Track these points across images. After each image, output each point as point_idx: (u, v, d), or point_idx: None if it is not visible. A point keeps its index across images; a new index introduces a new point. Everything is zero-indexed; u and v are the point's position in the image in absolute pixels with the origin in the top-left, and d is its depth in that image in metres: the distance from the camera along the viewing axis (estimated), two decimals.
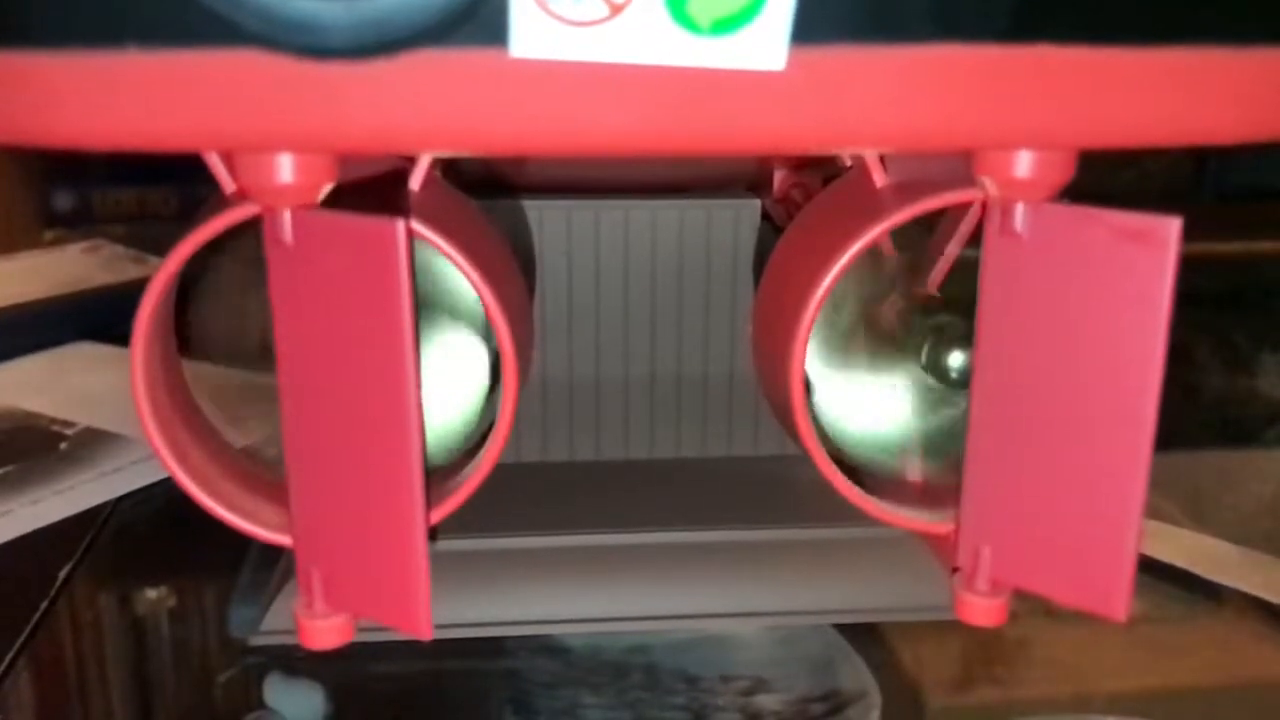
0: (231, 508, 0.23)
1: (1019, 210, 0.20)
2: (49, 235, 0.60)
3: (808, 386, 0.24)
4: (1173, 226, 0.18)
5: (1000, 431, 0.22)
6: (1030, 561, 0.22)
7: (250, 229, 0.21)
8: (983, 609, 0.23)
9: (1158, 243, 0.19)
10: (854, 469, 0.25)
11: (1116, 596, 0.21)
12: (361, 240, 0.18)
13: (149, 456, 0.35)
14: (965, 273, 0.25)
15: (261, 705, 0.26)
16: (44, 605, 0.29)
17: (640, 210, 0.30)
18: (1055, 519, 0.21)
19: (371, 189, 0.22)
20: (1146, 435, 0.20)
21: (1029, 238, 0.20)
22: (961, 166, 0.20)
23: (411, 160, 0.22)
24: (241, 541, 0.26)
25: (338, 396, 0.20)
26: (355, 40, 0.16)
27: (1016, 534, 0.22)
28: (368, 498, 0.20)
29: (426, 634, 0.20)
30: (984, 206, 0.21)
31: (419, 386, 0.19)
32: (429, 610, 0.20)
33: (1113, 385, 0.20)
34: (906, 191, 0.22)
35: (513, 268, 0.25)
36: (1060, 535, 0.21)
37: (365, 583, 0.21)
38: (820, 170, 0.32)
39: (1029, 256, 0.21)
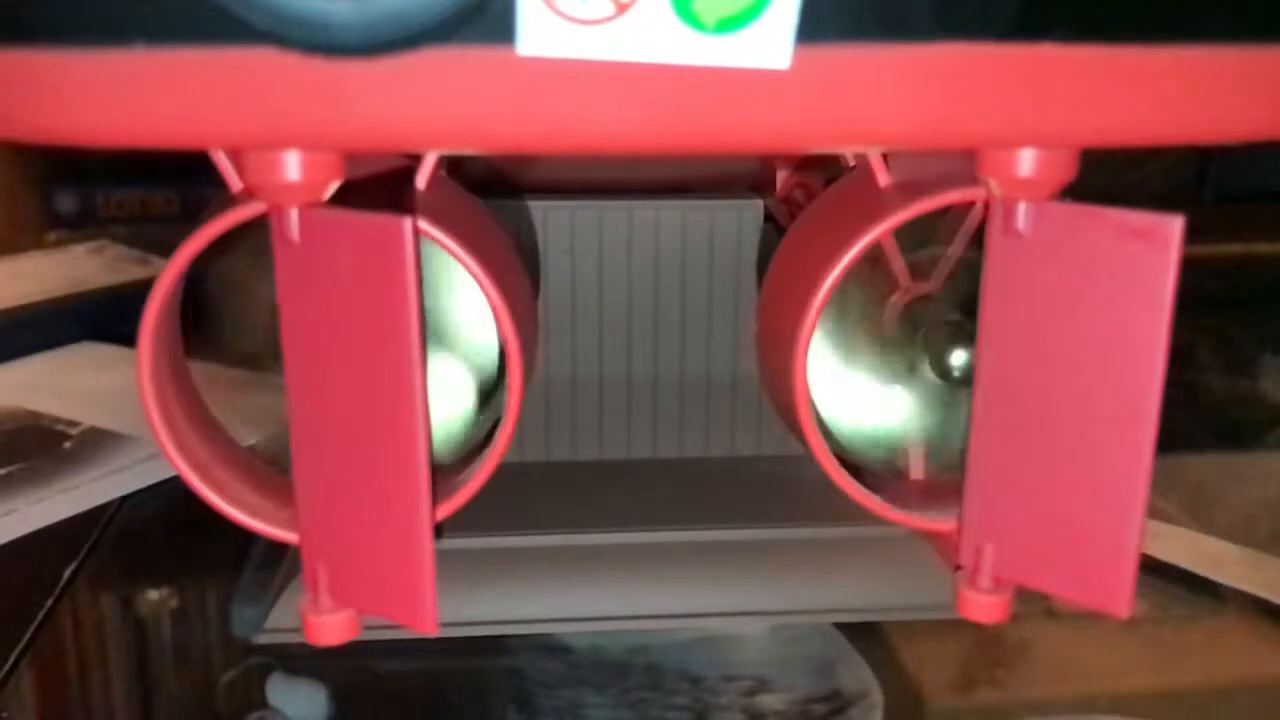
0: (238, 505, 0.23)
1: (1021, 209, 0.20)
2: (52, 236, 0.60)
3: (811, 385, 0.24)
4: (1175, 225, 0.19)
5: (1002, 429, 0.22)
6: (1033, 559, 0.22)
7: (256, 227, 0.21)
8: (985, 606, 0.23)
9: (1160, 241, 0.19)
10: (857, 467, 0.25)
11: (1119, 594, 0.21)
12: (369, 238, 0.19)
13: (153, 456, 0.35)
14: (968, 271, 0.25)
15: (264, 705, 0.26)
16: (48, 604, 0.29)
17: (644, 210, 0.30)
18: (1058, 516, 0.21)
19: (377, 187, 0.22)
20: (1149, 433, 0.20)
21: (1031, 236, 0.20)
22: (964, 165, 0.20)
23: (417, 158, 0.22)
24: (245, 541, 0.26)
25: (344, 393, 0.20)
26: (364, 38, 0.16)
27: (1019, 531, 0.22)
28: (374, 494, 0.20)
29: (432, 629, 0.20)
30: (987, 205, 0.21)
31: (425, 383, 0.19)
32: (435, 606, 0.20)
33: (1115, 383, 0.20)
34: (910, 190, 0.22)
35: (517, 266, 0.25)
36: (1063, 532, 0.21)
37: (371, 578, 0.21)
38: (823, 170, 0.32)
39: (1031, 255, 0.21)
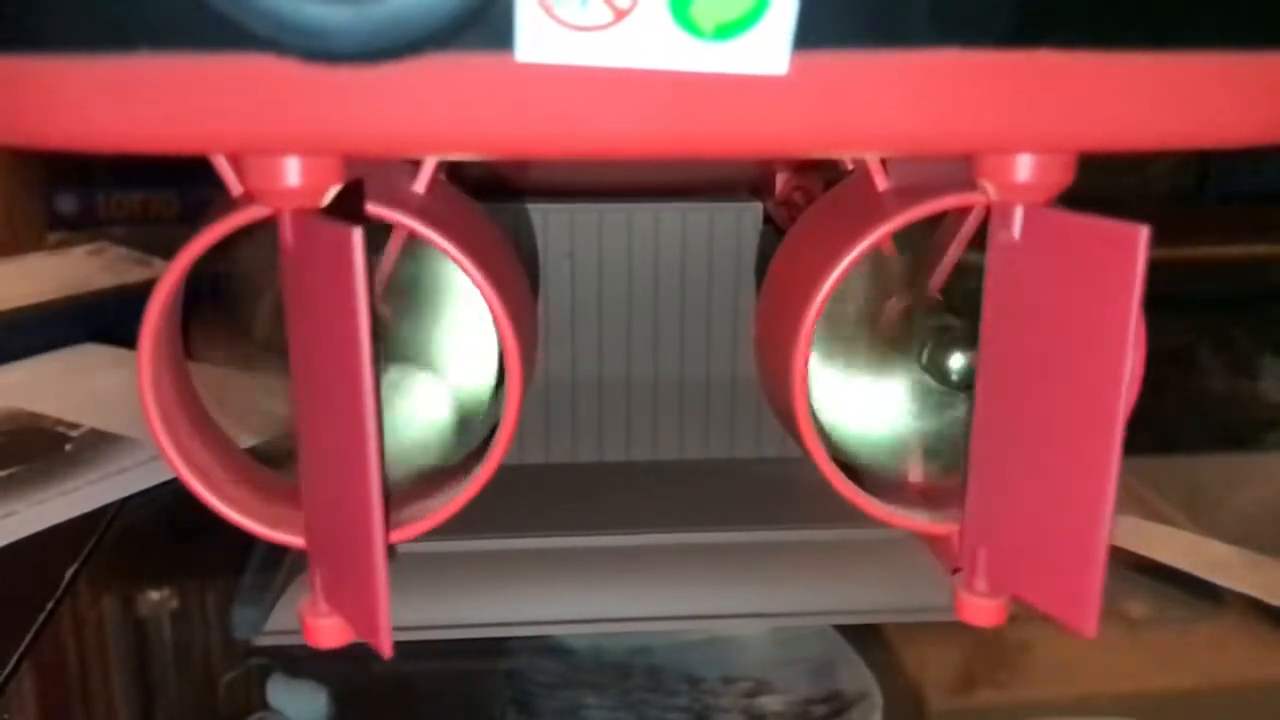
0: (237, 508, 0.23)
1: (1016, 214, 0.20)
2: (53, 238, 0.60)
3: (809, 388, 0.24)
4: (1140, 233, 0.18)
5: (999, 434, 0.22)
6: (1017, 566, 0.22)
7: (255, 231, 0.21)
8: (982, 609, 0.23)
9: (1126, 249, 0.18)
10: (855, 470, 0.25)
11: (1086, 609, 0.20)
12: (327, 245, 0.18)
13: (154, 458, 0.35)
14: (966, 275, 0.25)
15: (265, 706, 0.26)
16: (49, 606, 0.29)
17: (643, 213, 0.30)
18: (1039, 526, 0.21)
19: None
20: (1114, 445, 0.19)
21: (1023, 241, 0.20)
22: (962, 170, 0.21)
23: (417, 163, 0.22)
24: (245, 543, 0.26)
25: (321, 401, 0.20)
26: (363, 45, 0.16)
27: (1009, 538, 0.22)
28: (339, 504, 0.20)
29: (386, 652, 0.20)
30: (987, 210, 0.21)
31: (375, 394, 0.19)
32: (389, 626, 0.20)
33: (1085, 392, 0.19)
34: (908, 195, 0.22)
35: (516, 270, 0.25)
36: (1042, 542, 0.21)
37: (346, 588, 0.21)
38: (822, 173, 0.32)
39: (1024, 260, 0.21)
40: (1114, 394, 0.19)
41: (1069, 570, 0.20)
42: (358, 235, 0.18)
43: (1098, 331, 0.19)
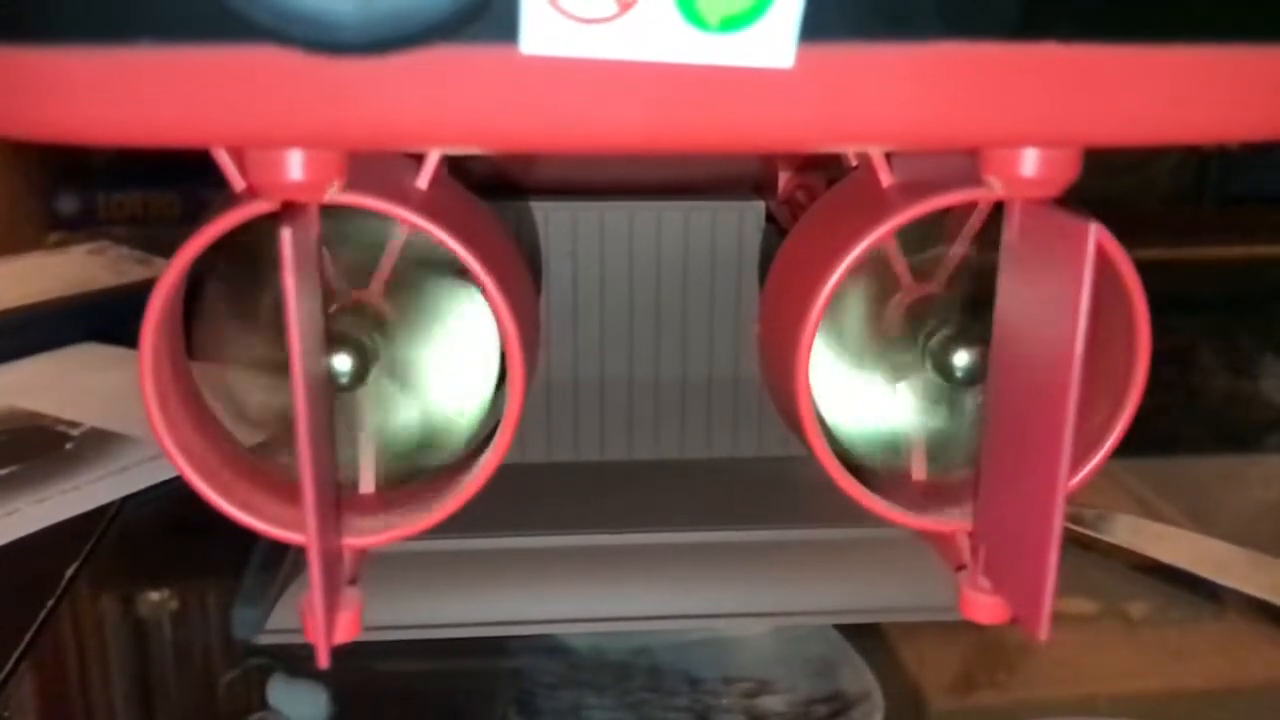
0: (241, 506, 0.23)
1: (1014, 210, 0.20)
2: (53, 238, 0.60)
3: (813, 386, 0.24)
4: (1089, 228, 0.18)
5: (1004, 432, 0.22)
6: (1003, 564, 0.22)
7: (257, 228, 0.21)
8: (985, 606, 0.23)
9: (1077, 243, 0.18)
10: (859, 468, 0.25)
11: (1038, 610, 0.20)
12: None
13: (154, 456, 0.35)
14: (970, 272, 0.25)
15: (265, 706, 0.26)
16: (49, 604, 0.29)
17: (645, 211, 0.30)
18: (1018, 524, 0.21)
19: None
20: (1063, 446, 0.19)
21: (1018, 237, 0.20)
22: (967, 165, 0.21)
23: (420, 158, 0.22)
24: (246, 542, 0.26)
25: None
26: (367, 37, 0.16)
27: (1001, 536, 0.22)
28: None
29: (321, 662, 0.20)
30: (994, 205, 0.21)
31: (311, 394, 0.19)
32: (329, 638, 0.20)
33: (1046, 391, 0.19)
34: (912, 190, 0.22)
35: (519, 267, 0.25)
36: (1017, 541, 0.21)
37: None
38: (825, 171, 0.32)
39: (1020, 256, 0.21)
40: (1063, 396, 0.18)
41: (1029, 570, 0.20)
42: (288, 235, 0.18)
43: (1057, 328, 0.19)
